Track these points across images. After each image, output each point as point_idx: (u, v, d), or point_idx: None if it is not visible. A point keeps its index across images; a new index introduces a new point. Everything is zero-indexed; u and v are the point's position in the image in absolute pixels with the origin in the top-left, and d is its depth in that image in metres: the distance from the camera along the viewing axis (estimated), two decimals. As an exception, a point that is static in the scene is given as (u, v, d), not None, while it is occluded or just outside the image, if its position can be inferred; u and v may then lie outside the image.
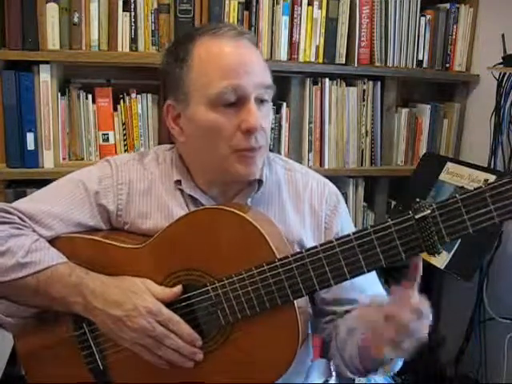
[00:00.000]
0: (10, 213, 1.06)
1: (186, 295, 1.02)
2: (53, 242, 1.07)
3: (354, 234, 0.90)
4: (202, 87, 1.00)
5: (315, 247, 0.92)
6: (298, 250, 0.95)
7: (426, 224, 0.84)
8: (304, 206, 1.13)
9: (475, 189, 0.82)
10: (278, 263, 0.94)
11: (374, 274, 1.09)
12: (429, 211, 0.84)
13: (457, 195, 0.83)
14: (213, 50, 1.01)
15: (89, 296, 0.99)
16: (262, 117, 1.01)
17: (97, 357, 1.07)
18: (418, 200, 0.86)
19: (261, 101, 1.02)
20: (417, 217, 0.85)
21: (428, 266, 0.91)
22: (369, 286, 1.09)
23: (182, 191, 1.10)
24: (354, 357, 1.03)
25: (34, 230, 1.06)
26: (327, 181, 1.18)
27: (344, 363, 1.07)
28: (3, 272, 1.00)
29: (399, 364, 1.05)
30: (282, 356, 0.97)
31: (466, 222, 0.83)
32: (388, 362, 0.97)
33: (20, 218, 1.06)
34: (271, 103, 1.07)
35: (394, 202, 2.25)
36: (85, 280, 1.01)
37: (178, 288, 1.00)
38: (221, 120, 1.00)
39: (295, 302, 0.96)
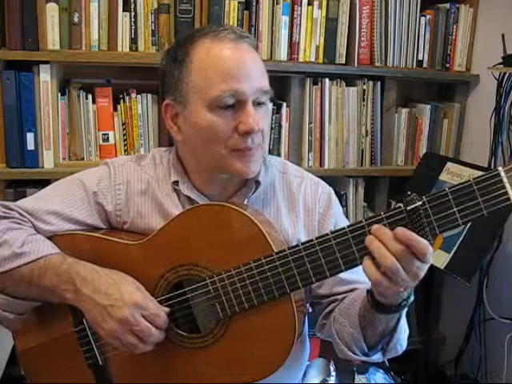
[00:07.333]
0: (10, 209, 1.09)
1: (184, 289, 1.03)
2: (53, 238, 1.09)
3: (348, 226, 0.92)
4: (202, 89, 1.02)
5: (311, 240, 0.95)
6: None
7: (417, 216, 0.87)
8: (298, 206, 1.15)
9: (464, 182, 0.85)
10: (275, 256, 0.96)
11: None
12: (420, 203, 0.86)
13: (446, 188, 0.85)
14: (213, 53, 1.02)
15: (79, 283, 1.00)
16: (259, 119, 1.03)
17: (96, 352, 1.07)
18: (409, 193, 0.88)
19: (258, 103, 1.04)
20: (408, 208, 0.87)
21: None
22: (363, 276, 1.09)
23: (178, 192, 1.12)
24: (355, 329, 1.03)
25: (34, 225, 1.08)
26: (320, 181, 1.20)
27: (345, 344, 1.06)
28: (0, 263, 1.02)
29: (411, 299, 0.97)
30: (280, 347, 0.99)
31: (455, 213, 0.85)
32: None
33: (20, 214, 1.09)
34: (270, 104, 1.08)
35: (393, 202, 2.25)
36: (76, 268, 1.02)
37: (167, 309, 1.01)
38: (219, 122, 1.02)
39: (292, 294, 0.98)
